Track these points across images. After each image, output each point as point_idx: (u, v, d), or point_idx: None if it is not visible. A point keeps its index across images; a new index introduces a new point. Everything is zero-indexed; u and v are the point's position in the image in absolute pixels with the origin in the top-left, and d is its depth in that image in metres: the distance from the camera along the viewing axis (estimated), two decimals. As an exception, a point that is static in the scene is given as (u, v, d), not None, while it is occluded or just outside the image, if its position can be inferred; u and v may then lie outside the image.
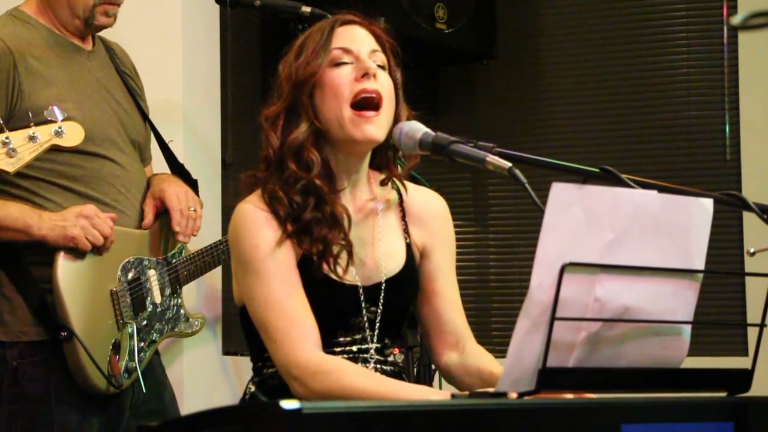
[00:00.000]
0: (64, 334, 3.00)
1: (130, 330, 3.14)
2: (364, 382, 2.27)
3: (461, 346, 2.52)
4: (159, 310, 3.26)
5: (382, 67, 2.43)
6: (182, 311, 3.35)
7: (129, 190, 3.22)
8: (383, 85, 2.40)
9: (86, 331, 3.02)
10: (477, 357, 2.48)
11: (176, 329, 3.34)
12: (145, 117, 3.37)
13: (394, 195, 2.54)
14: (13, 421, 3.05)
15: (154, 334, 3.25)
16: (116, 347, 3.10)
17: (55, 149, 2.83)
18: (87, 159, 3.12)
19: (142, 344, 3.19)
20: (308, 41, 2.43)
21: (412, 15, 4.32)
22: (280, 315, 2.32)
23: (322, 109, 2.39)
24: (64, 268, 3.02)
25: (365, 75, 2.38)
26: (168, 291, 3.29)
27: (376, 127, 2.39)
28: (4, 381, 3.06)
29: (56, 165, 3.08)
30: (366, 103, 2.38)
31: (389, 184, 2.53)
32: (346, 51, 2.40)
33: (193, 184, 3.42)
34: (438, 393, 2.20)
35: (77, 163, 3.11)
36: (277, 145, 2.40)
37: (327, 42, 2.41)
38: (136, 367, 3.15)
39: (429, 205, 2.58)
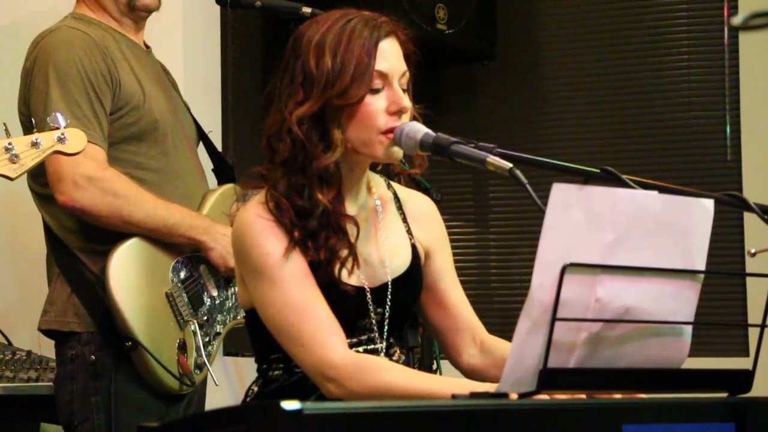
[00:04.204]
0: (128, 344, 3.02)
1: (192, 328, 3.15)
2: (406, 378, 2.25)
3: (479, 342, 2.52)
4: (218, 302, 3.26)
5: (406, 90, 2.40)
6: None
7: (196, 184, 3.28)
8: (409, 114, 2.38)
9: (150, 337, 3.04)
10: (504, 349, 2.49)
11: (239, 317, 3.34)
12: (191, 114, 3.45)
13: (389, 194, 2.55)
14: (97, 412, 3.08)
15: (218, 326, 3.26)
16: (182, 346, 3.12)
17: (134, 138, 3.09)
18: (161, 149, 3.18)
19: (208, 338, 3.21)
20: (350, 46, 2.34)
21: (413, 15, 4.32)
22: (305, 318, 2.30)
23: (348, 128, 2.35)
24: (116, 279, 3.03)
25: (398, 112, 2.35)
26: (222, 281, 3.29)
27: (398, 149, 2.37)
28: (80, 374, 3.09)
29: (134, 156, 3.14)
30: (393, 130, 2.36)
31: (385, 184, 2.54)
32: (383, 76, 2.35)
33: (231, 169, 3.47)
34: (481, 385, 2.16)
35: (153, 155, 3.17)
36: (299, 149, 2.34)
37: (370, 64, 2.34)
38: (204, 362, 3.17)
39: (425, 208, 2.59)
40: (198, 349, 3.16)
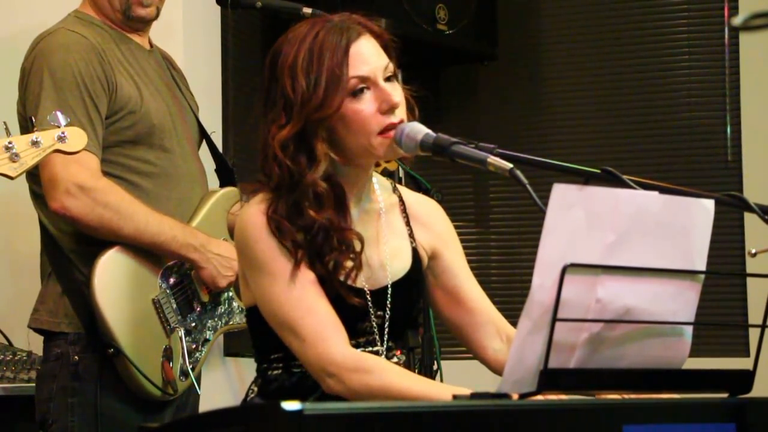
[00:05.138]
0: (110, 350, 3.01)
1: (179, 334, 3.14)
2: (405, 381, 2.26)
3: (503, 335, 2.50)
4: (209, 307, 3.24)
5: (392, 77, 2.38)
6: (235, 303, 3.32)
7: (193, 188, 3.26)
8: (402, 105, 2.36)
9: (133, 345, 3.03)
10: None
11: (231, 323, 3.32)
12: (194, 115, 3.43)
13: (394, 198, 2.54)
14: (71, 414, 3.07)
15: (207, 333, 3.24)
16: (167, 353, 3.11)
17: (130, 142, 3.08)
18: (157, 154, 3.17)
19: (195, 345, 3.19)
20: (320, 60, 2.33)
21: (413, 16, 4.32)
22: (307, 313, 2.30)
23: (343, 140, 2.34)
24: (101, 285, 3.02)
25: (390, 109, 2.34)
26: None
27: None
28: (61, 373, 3.08)
29: (129, 160, 3.14)
30: (391, 128, 2.34)
31: (390, 187, 2.53)
32: (364, 79, 2.34)
33: (231, 172, 3.45)
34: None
35: (149, 159, 3.16)
36: (286, 172, 2.33)
37: (343, 72, 2.32)
38: (188, 370, 3.15)
39: (427, 208, 2.59)
40: (184, 356, 3.14)
